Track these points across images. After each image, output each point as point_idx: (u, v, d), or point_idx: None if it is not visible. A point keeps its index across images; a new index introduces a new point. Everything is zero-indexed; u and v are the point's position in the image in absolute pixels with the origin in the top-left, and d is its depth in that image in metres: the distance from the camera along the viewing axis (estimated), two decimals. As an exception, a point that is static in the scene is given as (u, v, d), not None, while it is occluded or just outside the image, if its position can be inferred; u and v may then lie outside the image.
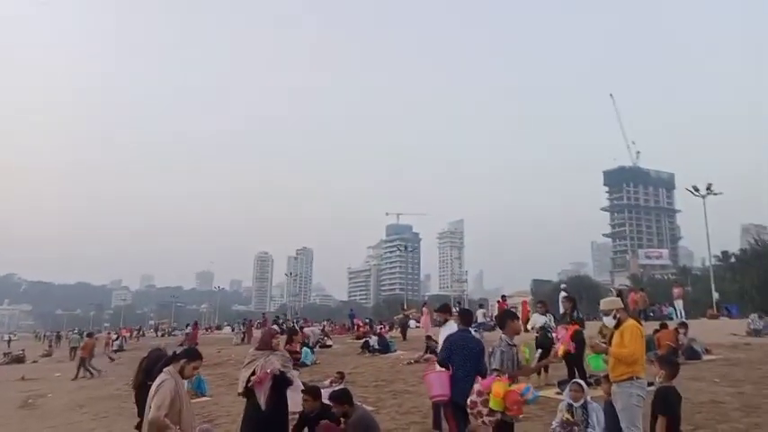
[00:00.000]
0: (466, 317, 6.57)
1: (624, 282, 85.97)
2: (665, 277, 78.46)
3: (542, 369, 9.93)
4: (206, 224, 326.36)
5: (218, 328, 62.31)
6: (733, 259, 51.46)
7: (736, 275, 46.11)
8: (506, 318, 5.37)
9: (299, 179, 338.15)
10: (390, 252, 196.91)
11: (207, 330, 57.51)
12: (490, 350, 5.02)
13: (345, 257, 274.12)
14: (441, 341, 6.62)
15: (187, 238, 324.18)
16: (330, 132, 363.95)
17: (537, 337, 10.74)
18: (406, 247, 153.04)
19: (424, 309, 25.47)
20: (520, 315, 17.65)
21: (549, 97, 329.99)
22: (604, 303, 5.68)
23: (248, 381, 5.63)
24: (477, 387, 4.74)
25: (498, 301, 21.66)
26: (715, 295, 31.95)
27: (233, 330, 40.98)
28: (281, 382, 5.67)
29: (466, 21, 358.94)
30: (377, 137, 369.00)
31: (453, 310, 8.73)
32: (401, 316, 28.17)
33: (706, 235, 34.54)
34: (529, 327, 12.08)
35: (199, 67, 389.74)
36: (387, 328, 29.41)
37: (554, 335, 9.86)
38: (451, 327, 6.80)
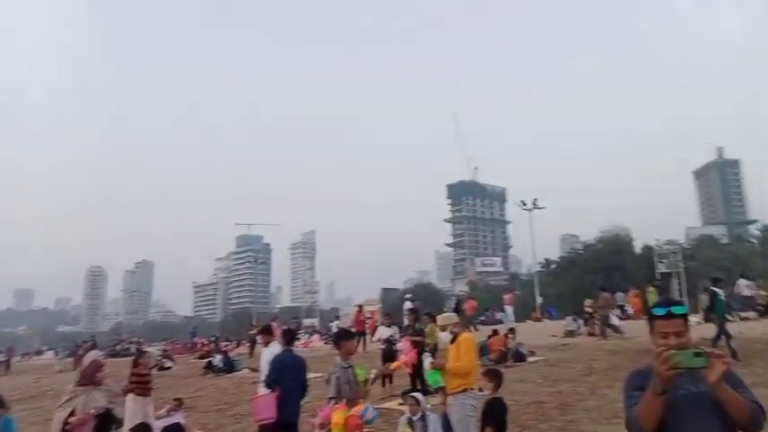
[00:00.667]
0: (288, 336, 6.59)
1: (463, 288, 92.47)
2: (499, 283, 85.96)
3: (386, 379, 10.23)
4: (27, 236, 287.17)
5: (39, 353, 55.30)
6: (553, 266, 57.91)
7: (556, 280, 51.99)
8: (340, 338, 5.41)
9: (137, 192, 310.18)
10: (240, 264, 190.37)
11: (24, 357, 50.62)
12: (326, 377, 5.02)
13: (191, 271, 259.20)
14: (264, 363, 6.54)
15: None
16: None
17: (383, 349, 11.05)
18: (256, 259, 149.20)
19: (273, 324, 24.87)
20: (355, 326, 18.02)
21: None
22: (441, 319, 5.99)
23: (66, 423, 4.98)
24: (317, 420, 4.71)
25: (357, 311, 21.50)
26: (539, 299, 35.63)
27: (56, 355, 36.60)
28: (106, 422, 5.10)
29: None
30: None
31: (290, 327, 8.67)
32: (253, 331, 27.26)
33: (531, 244, 38.54)
34: (374, 339, 12.39)
35: None
36: (235, 344, 28.28)
37: (399, 346, 10.21)
38: (275, 348, 6.75)
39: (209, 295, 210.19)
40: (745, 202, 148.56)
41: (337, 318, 35.22)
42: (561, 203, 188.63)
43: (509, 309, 27.99)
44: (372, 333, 17.30)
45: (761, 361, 10.15)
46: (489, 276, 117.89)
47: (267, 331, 7.55)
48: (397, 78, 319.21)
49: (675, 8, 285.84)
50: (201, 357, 22.43)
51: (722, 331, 11.64)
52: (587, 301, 20.64)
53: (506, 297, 29.42)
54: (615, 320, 18.00)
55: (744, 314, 19.33)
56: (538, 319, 27.99)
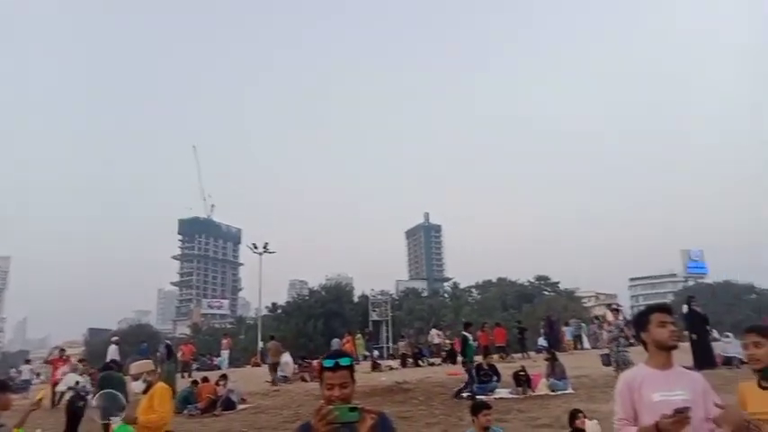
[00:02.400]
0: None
1: (185, 331, 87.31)
2: (224, 326, 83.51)
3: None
4: None
5: None
6: (279, 310, 58.89)
7: (281, 325, 52.88)
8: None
9: None
10: None
11: None
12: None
13: None
14: None
15: None
16: None
17: (68, 401, 9.58)
18: None
19: None
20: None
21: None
22: (134, 367, 5.48)
23: None
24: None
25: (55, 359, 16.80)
26: (260, 344, 35.59)
27: None
28: None
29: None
30: None
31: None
32: None
33: (259, 287, 38.72)
34: (58, 389, 10.70)
35: None
36: None
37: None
38: None
39: None
40: (444, 262, 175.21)
41: (27, 362, 29.44)
42: (294, 249, 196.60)
43: (225, 353, 27.33)
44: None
45: (440, 403, 11.57)
46: (215, 319, 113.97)
47: None
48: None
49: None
50: None
51: (470, 375, 12.35)
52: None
53: (224, 342, 28.71)
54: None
55: (432, 360, 22.32)
56: (257, 365, 27.83)
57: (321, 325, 49.24)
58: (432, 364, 21.24)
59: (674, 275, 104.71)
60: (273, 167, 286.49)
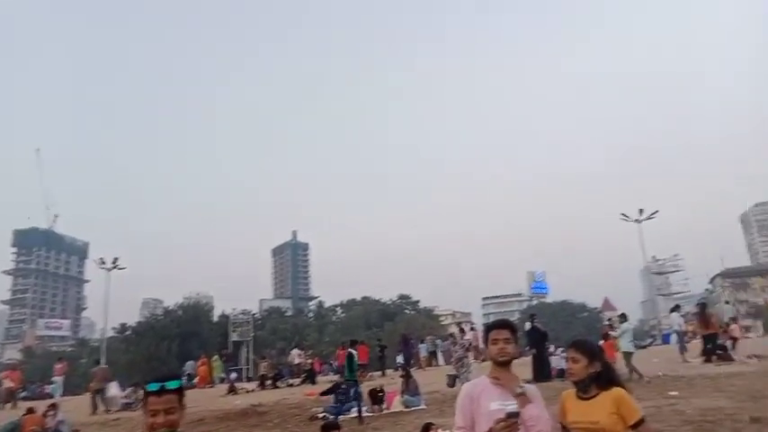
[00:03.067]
0: None
1: (15, 355, 77.34)
2: (63, 350, 75.23)
3: None
4: None
5: None
6: (129, 331, 54.37)
7: (130, 347, 48.83)
8: None
9: None
10: None
11: None
12: None
13: None
14: None
15: None
16: None
17: None
18: None
19: None
20: None
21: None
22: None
23: None
24: None
25: None
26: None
27: None
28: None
29: None
30: None
31: None
32: None
33: (105, 306, 35.54)
34: None
35: None
36: None
37: None
38: None
39: None
40: (310, 281, 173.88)
41: None
42: (151, 267, 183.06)
43: (59, 380, 24.58)
44: None
45: (295, 425, 11.30)
46: (53, 341, 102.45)
47: None
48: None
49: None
50: None
51: (356, 393, 11.93)
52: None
53: (57, 367, 25.74)
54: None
55: (291, 380, 21.95)
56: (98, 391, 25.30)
57: (176, 347, 46.34)
58: (290, 385, 20.87)
59: (519, 295, 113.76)
60: (130, 177, 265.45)
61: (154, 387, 2.27)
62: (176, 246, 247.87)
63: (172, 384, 2.29)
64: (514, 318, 68.75)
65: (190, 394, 13.14)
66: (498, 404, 2.76)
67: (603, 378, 2.94)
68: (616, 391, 2.90)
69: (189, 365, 25.77)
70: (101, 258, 36.27)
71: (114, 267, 36.46)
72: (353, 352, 13.96)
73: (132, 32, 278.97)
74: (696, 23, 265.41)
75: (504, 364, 2.87)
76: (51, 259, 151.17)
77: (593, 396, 2.91)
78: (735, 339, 16.20)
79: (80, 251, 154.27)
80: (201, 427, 10.35)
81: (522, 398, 2.76)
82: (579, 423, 2.88)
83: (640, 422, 2.81)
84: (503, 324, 2.99)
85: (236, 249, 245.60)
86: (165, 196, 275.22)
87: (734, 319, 19.42)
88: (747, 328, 31.75)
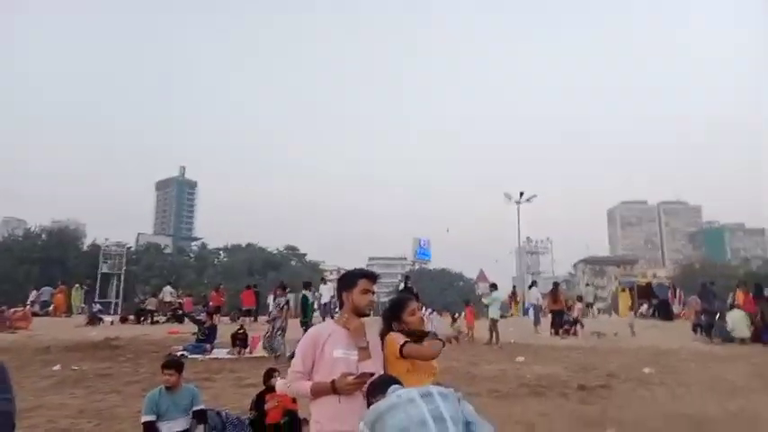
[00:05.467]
0: None
1: None
2: None
3: None
4: None
5: None
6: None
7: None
8: None
9: None
10: None
11: None
12: None
13: None
14: None
15: None
16: None
17: None
18: None
19: None
20: None
21: None
22: None
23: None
24: None
25: None
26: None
27: None
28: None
29: None
30: None
31: None
32: None
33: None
34: None
35: None
36: None
37: None
38: None
39: None
40: (194, 221, 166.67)
41: None
42: (16, 184, 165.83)
43: None
44: None
45: (149, 362, 10.82)
46: None
47: None
48: None
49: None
50: None
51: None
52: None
53: None
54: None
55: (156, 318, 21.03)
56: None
57: (36, 271, 42.88)
58: (155, 323, 20.12)
59: (404, 259, 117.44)
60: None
61: None
62: (55, 168, 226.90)
63: None
64: (397, 279, 71.11)
65: (43, 321, 12.36)
66: (342, 352, 2.73)
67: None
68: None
69: (46, 291, 23.90)
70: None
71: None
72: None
73: None
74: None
75: (363, 315, 2.86)
76: None
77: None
78: (576, 317, 17.87)
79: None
80: (44, 355, 9.64)
81: (364, 352, 2.75)
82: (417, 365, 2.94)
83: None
84: (375, 276, 2.97)
85: (118, 176, 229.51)
86: (55, 111, 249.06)
87: (579, 299, 21.48)
88: (598, 309, 35.18)
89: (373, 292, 2.91)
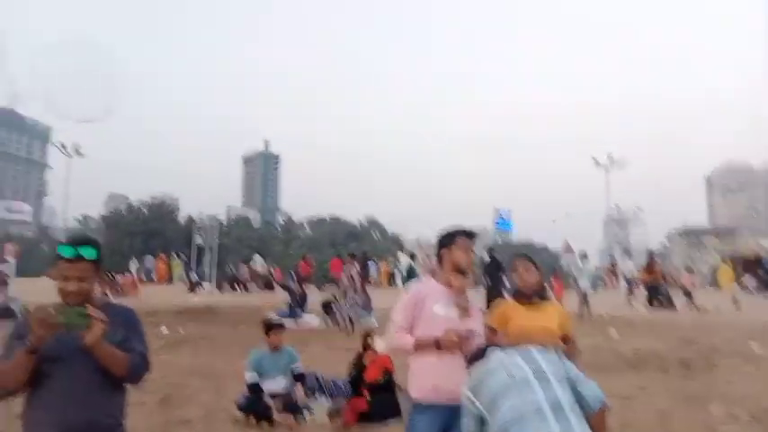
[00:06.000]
0: None
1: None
2: (22, 234, 74.29)
3: None
4: None
5: None
6: (94, 226, 53.66)
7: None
8: None
9: None
10: None
11: None
12: None
13: None
14: None
15: None
16: None
17: None
18: None
19: None
20: None
21: None
22: None
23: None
24: None
25: None
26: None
27: None
28: None
29: None
30: None
31: None
32: None
33: (66, 195, 35.01)
34: None
35: None
36: None
37: None
38: None
39: None
40: (279, 194, 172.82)
41: None
42: (119, 162, 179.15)
43: (12, 261, 24.10)
44: None
45: (248, 327, 11.44)
46: (14, 225, 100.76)
47: None
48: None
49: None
50: None
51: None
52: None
53: (8, 247, 25.14)
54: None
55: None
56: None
57: (139, 243, 46.10)
58: (248, 291, 21.20)
59: (484, 229, 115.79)
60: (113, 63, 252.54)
61: (68, 253, 2.04)
62: (148, 144, 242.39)
63: (88, 253, 2.06)
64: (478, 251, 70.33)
65: (148, 289, 13.28)
66: (443, 309, 2.73)
67: (543, 292, 3.23)
68: (557, 304, 3.19)
69: (149, 260, 25.83)
70: (62, 143, 35.03)
71: (77, 154, 35.39)
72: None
73: None
74: None
75: (463, 273, 2.83)
76: (13, 141, 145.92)
77: (537, 305, 3.10)
78: (685, 290, 16.82)
79: (42, 135, 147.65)
80: (151, 317, 10.45)
81: (465, 310, 2.74)
82: (527, 327, 2.98)
83: (570, 338, 2.99)
84: (474, 235, 2.95)
85: (207, 151, 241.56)
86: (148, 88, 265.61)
87: (689, 270, 20.21)
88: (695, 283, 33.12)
89: (472, 250, 2.89)
